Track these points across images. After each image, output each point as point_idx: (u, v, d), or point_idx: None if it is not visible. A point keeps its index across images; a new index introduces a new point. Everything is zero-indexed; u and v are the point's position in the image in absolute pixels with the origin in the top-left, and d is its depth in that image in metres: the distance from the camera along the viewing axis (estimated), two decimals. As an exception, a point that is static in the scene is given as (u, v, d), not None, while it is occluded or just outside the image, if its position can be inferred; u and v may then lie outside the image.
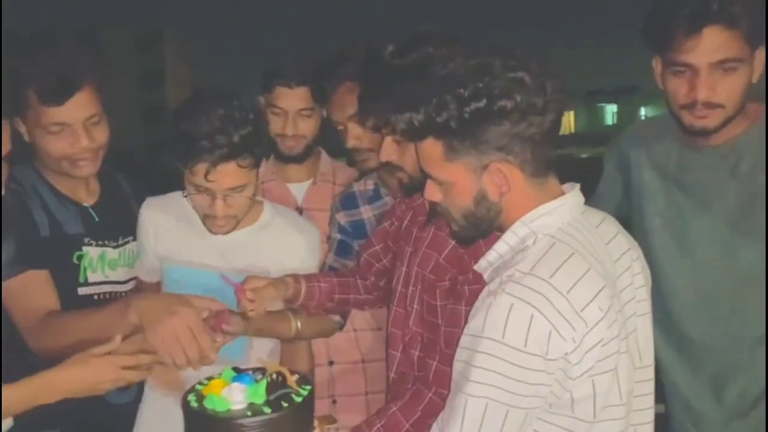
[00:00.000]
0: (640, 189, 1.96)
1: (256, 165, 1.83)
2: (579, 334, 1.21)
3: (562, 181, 1.38)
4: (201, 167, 1.73)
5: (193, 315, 1.62)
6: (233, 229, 1.90)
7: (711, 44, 1.64)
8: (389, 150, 1.59)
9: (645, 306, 1.43)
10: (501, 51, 1.28)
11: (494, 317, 1.22)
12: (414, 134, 1.34)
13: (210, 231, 1.89)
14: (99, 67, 1.89)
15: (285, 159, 2.36)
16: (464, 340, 1.28)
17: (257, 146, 1.79)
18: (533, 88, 1.25)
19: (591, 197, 2.12)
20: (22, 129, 1.87)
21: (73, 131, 1.84)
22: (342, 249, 2.21)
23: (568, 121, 46.31)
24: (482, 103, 1.24)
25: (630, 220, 1.98)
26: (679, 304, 1.89)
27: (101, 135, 1.90)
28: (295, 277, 1.90)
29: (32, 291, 1.82)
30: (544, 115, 1.27)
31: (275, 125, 2.28)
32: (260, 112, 1.98)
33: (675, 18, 1.65)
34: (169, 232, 1.96)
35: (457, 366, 1.29)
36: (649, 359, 1.44)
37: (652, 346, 1.46)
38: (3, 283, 1.79)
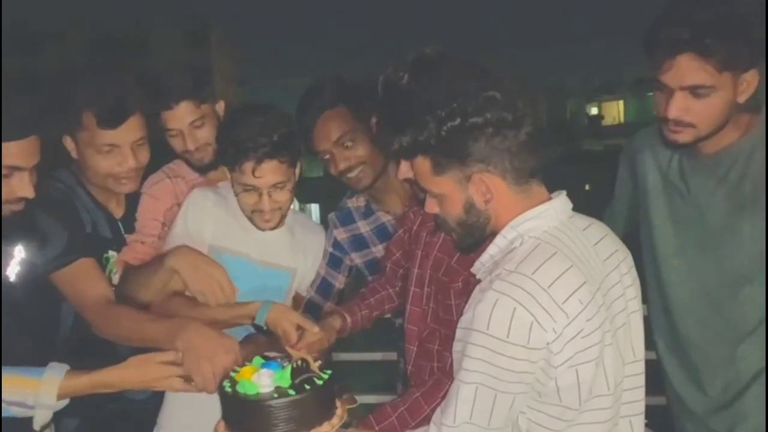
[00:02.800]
0: (646, 190, 2.03)
1: (294, 163, 2.01)
2: (560, 325, 1.30)
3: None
4: (248, 165, 1.93)
5: (230, 362, 1.71)
6: (279, 223, 2.06)
7: (683, 70, 1.70)
8: (405, 169, 1.64)
9: (635, 303, 1.51)
10: (477, 72, 1.37)
11: (481, 311, 1.32)
12: (405, 154, 1.45)
13: (258, 227, 2.06)
14: (148, 96, 2.07)
15: None
16: (458, 333, 1.39)
17: (294, 145, 1.98)
18: (504, 105, 1.34)
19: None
20: (71, 146, 2.05)
21: (122, 152, 2.02)
22: (332, 262, 2.33)
23: (617, 111, 45.15)
24: (457, 122, 1.34)
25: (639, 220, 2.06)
26: (672, 301, 1.96)
27: (144, 156, 2.08)
28: (341, 315, 2.05)
29: (87, 277, 1.97)
30: (518, 129, 1.36)
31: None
32: (292, 118, 2.10)
33: (656, 40, 1.72)
34: (225, 222, 2.11)
35: (454, 356, 1.41)
36: (641, 354, 1.51)
37: (643, 341, 1.52)
38: (59, 273, 1.95)
